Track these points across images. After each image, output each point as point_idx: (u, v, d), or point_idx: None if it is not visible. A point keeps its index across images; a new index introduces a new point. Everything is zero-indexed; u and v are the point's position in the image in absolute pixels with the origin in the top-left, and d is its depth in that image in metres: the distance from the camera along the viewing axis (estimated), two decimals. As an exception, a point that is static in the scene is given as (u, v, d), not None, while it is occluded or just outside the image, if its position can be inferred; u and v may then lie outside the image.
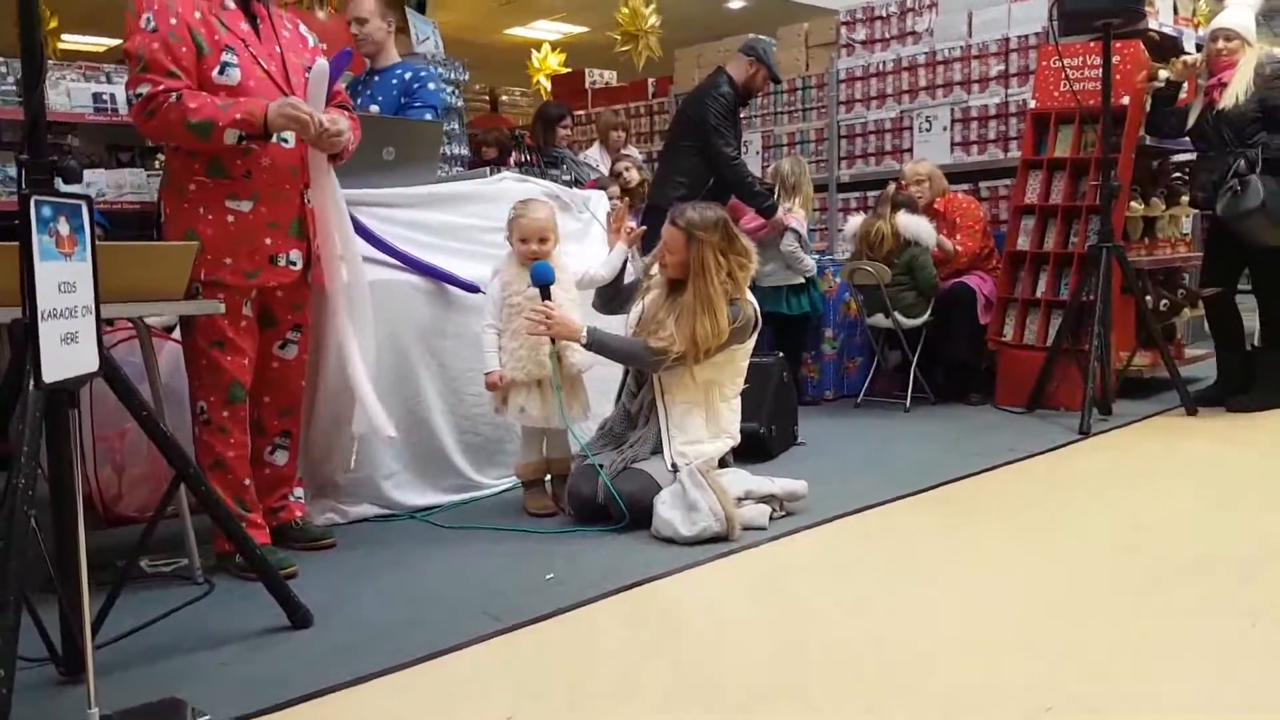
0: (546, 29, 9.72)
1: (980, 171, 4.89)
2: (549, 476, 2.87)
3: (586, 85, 7.67)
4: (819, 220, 5.54)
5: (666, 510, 2.45)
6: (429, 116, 3.25)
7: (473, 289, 2.84)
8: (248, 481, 2.34)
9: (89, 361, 1.57)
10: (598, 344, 2.61)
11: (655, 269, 2.76)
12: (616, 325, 2.82)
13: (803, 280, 4.50)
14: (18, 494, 1.47)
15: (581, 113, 6.85)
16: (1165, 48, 4.46)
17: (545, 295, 2.62)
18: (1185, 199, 4.56)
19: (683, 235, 2.60)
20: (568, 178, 4.22)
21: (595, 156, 5.36)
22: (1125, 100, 4.16)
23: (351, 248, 2.47)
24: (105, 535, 2.55)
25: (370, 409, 2.44)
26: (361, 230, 2.67)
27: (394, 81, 3.30)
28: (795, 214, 4.38)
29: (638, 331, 2.69)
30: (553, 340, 2.62)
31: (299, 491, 2.58)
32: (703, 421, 2.66)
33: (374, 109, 3.26)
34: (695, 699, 1.58)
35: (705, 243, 2.57)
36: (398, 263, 2.83)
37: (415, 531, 2.66)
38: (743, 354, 2.71)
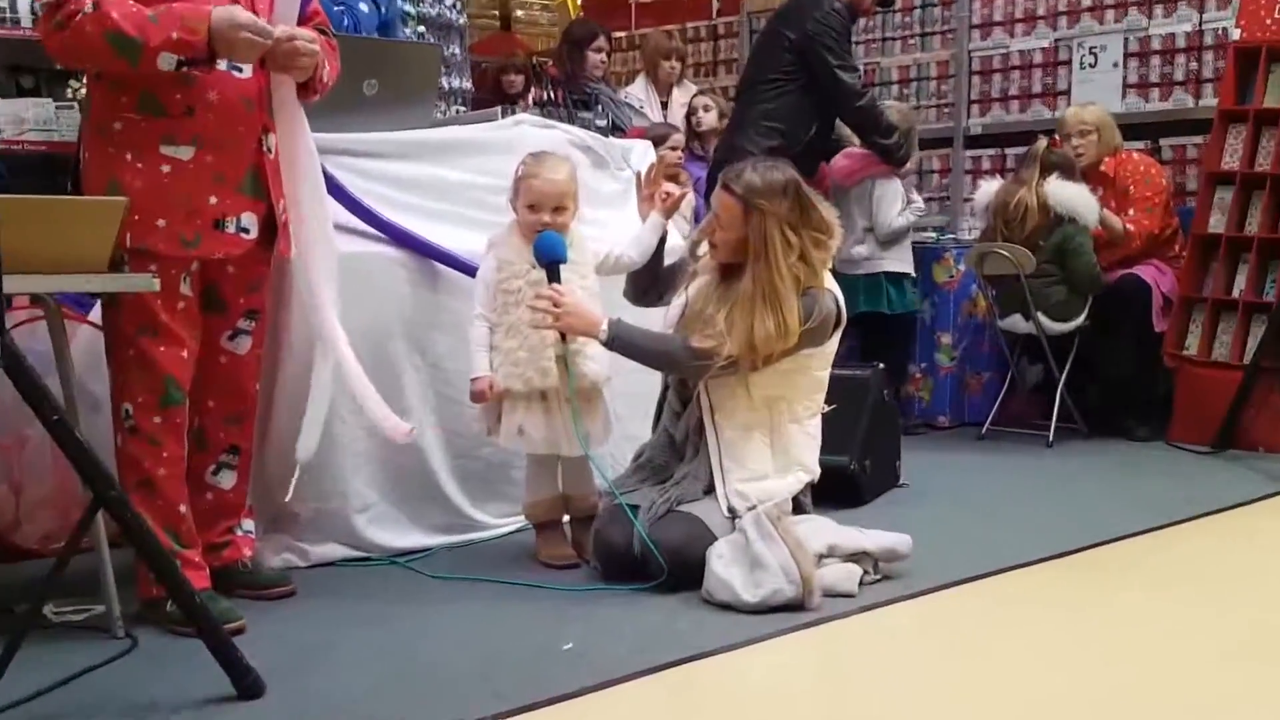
0: (579, -79, 9.77)
1: (1162, 124, 4.86)
2: (568, 518, 2.92)
3: (630, -1, 7.71)
4: (937, 186, 5.54)
5: (723, 567, 2.49)
6: None
7: (475, 272, 2.91)
8: (184, 509, 2.42)
9: (-18, 348, 1.66)
10: (622, 341, 2.65)
11: (704, 248, 2.79)
12: (654, 321, 2.86)
13: (908, 269, 4.53)
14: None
15: (622, 35, 6.90)
16: None
17: (553, 276, 2.66)
18: None
19: (739, 205, 2.62)
20: (603, 122, 4.27)
21: (640, 94, 5.40)
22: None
23: (322, 209, 2.54)
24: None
25: (372, 408, 2.50)
26: (333, 187, 2.74)
27: None
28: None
29: (680, 328, 2.72)
30: (563, 337, 2.67)
31: (249, 524, 2.66)
32: (766, 450, 2.68)
33: None
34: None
35: (769, 214, 2.59)
36: (377, 232, 2.90)
37: (396, 581, 2.72)
38: (820, 361, 2.73)
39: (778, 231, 2.59)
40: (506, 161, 2.94)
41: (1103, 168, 4.53)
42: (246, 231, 2.41)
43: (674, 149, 4.73)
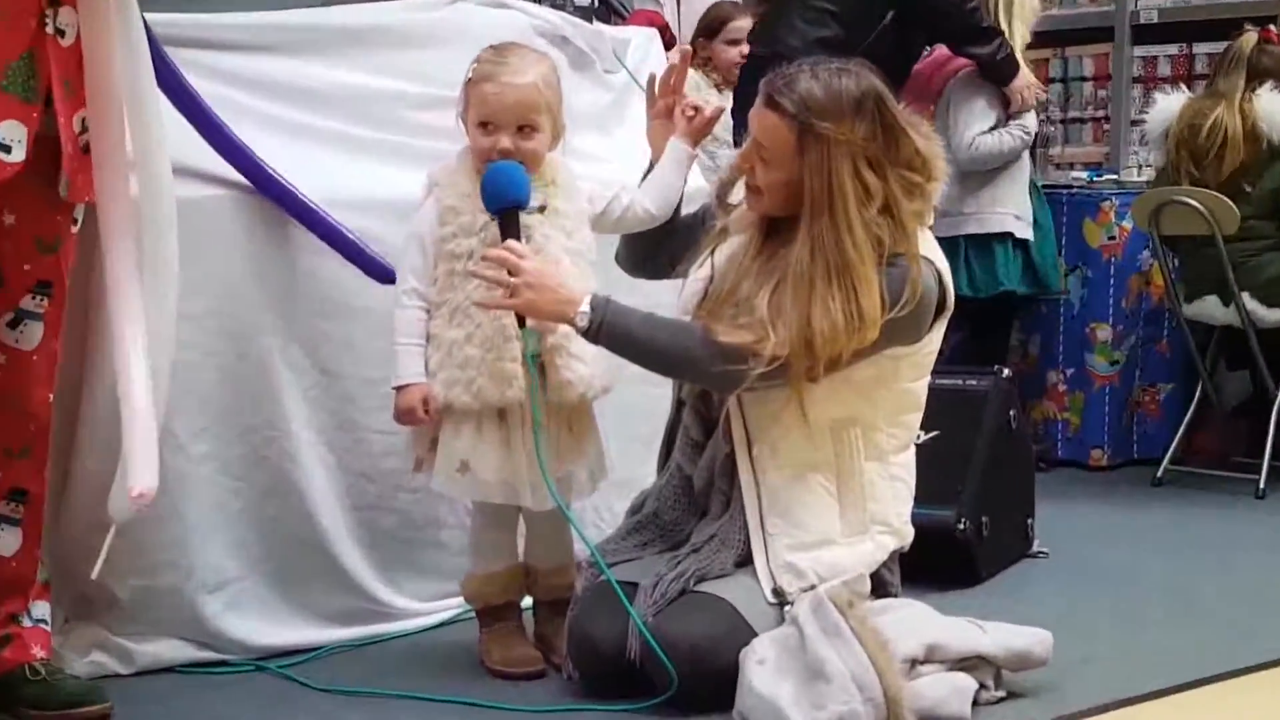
0: None
1: None
2: (529, 601, 2.92)
3: None
4: (1090, 101, 5.53)
5: (764, 678, 2.48)
6: None
7: (383, 271, 2.88)
8: (-59, 586, 2.42)
9: None
10: (612, 331, 2.62)
11: (739, 194, 2.78)
12: (666, 304, 2.85)
13: (1011, 226, 4.50)
14: None
15: None
16: None
17: (509, 228, 2.64)
18: None
19: (792, 129, 2.61)
20: (585, 1, 4.26)
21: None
22: None
23: (150, 135, 2.49)
24: None
25: (134, 441, 2.44)
26: (176, 96, 2.72)
27: None
28: None
29: (702, 313, 2.71)
30: (521, 322, 2.66)
31: (41, 609, 2.64)
32: (832, 501, 2.68)
33: None
34: None
35: (837, 143, 2.58)
36: (239, 174, 2.87)
37: (266, 696, 2.72)
38: (913, 367, 2.73)
39: (849, 169, 2.58)
40: (442, 58, 2.95)
41: (1345, 72, 4.52)
42: (5, 150, 2.36)
43: (735, 43, 4.71)
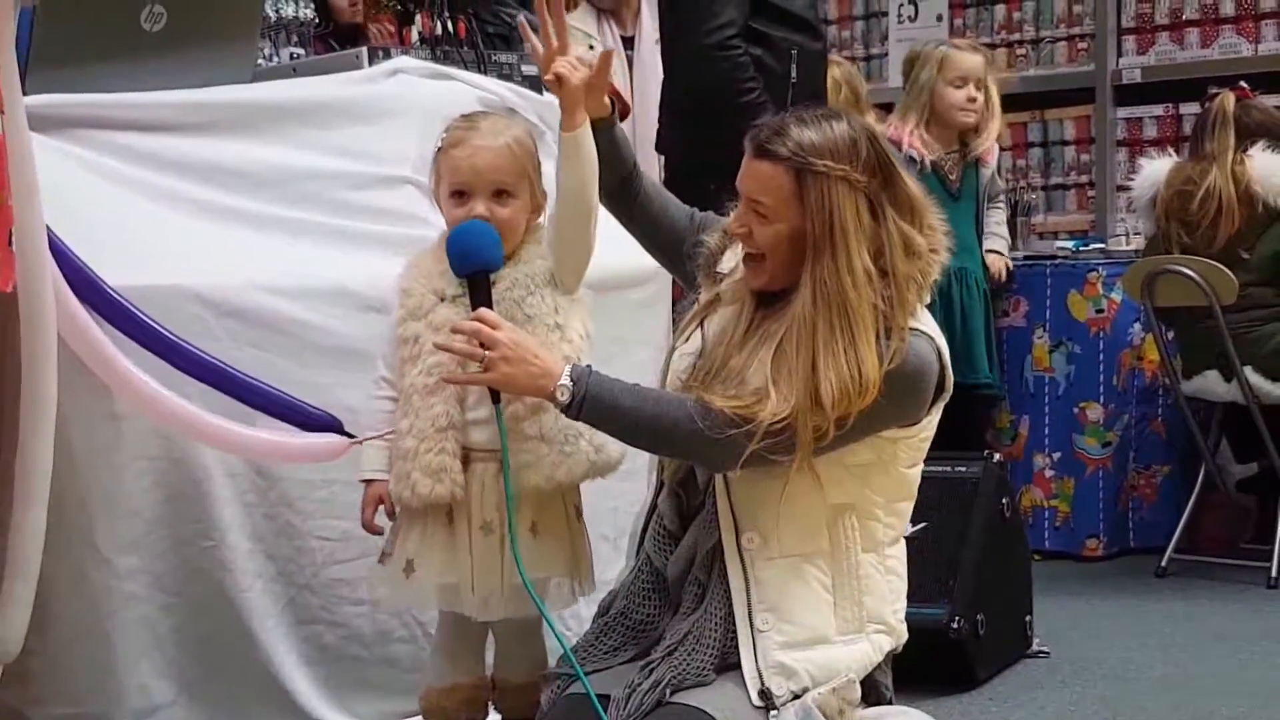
0: None
1: None
2: (497, 717, 2.90)
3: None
4: (1072, 166, 5.58)
5: (752, 795, 2.47)
6: None
7: (327, 424, 2.88)
8: None
9: None
10: (596, 405, 2.58)
11: (728, 263, 2.77)
12: (646, 368, 2.85)
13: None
14: None
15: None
16: None
17: (479, 295, 2.64)
18: None
19: (787, 170, 2.58)
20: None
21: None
22: None
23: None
24: None
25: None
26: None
27: None
28: None
29: (691, 382, 2.68)
30: (495, 397, 2.66)
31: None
32: (826, 596, 2.65)
33: None
34: None
35: (835, 179, 2.56)
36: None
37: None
38: (910, 449, 2.71)
39: (850, 207, 2.59)
40: (381, 133, 2.96)
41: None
42: None
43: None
